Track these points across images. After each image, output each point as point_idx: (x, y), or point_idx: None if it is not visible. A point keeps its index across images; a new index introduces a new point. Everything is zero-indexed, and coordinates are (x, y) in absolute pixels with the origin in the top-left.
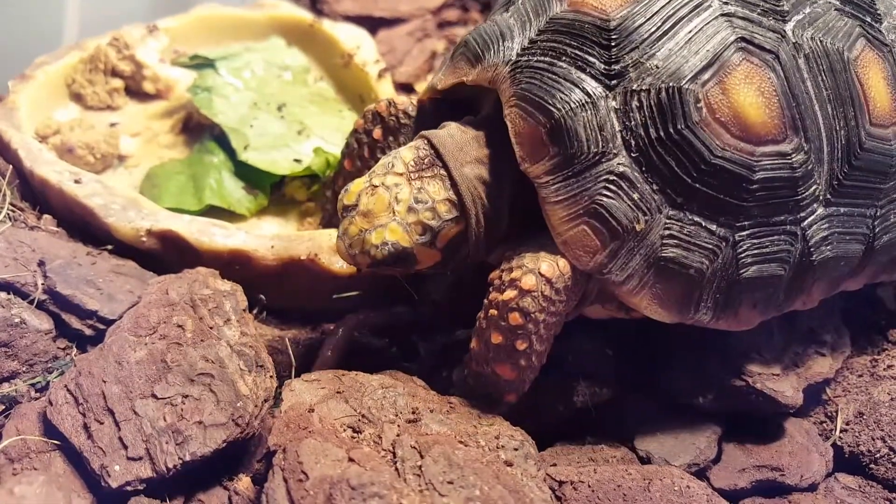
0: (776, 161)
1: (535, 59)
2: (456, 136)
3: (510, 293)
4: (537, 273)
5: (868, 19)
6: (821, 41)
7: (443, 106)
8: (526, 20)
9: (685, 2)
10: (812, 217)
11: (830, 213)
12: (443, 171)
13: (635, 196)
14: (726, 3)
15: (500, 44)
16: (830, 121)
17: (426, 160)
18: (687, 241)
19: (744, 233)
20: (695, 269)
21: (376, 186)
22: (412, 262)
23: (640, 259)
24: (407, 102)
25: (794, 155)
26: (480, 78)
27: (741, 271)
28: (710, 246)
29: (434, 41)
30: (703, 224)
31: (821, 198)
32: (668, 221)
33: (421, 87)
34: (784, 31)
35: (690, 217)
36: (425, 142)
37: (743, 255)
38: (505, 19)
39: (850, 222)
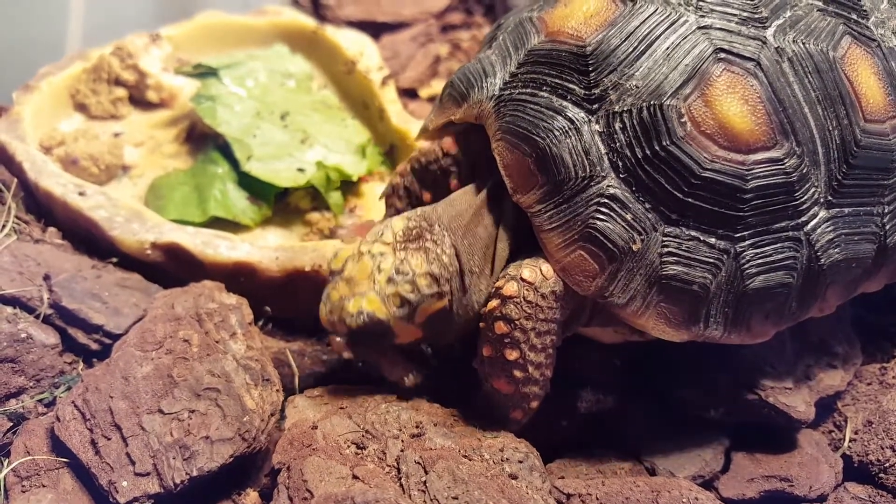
0: (769, 168)
1: (517, 91)
2: (458, 203)
3: (493, 302)
4: (519, 279)
5: (854, 16)
6: (803, 43)
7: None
8: (507, 55)
9: (660, 20)
10: (815, 221)
11: (834, 215)
12: (429, 245)
13: (628, 216)
14: (703, 17)
15: (484, 80)
16: (822, 121)
17: (415, 231)
18: (687, 256)
19: (745, 243)
20: (698, 285)
21: (363, 254)
22: (389, 335)
23: (640, 279)
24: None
25: (786, 160)
26: (467, 115)
27: (747, 283)
28: (712, 260)
29: (437, 45)
30: (702, 238)
31: (821, 200)
32: (664, 239)
33: (425, 92)
34: (765, 37)
35: (687, 232)
36: (419, 212)
37: (747, 266)
38: (487, 56)
39: (856, 222)
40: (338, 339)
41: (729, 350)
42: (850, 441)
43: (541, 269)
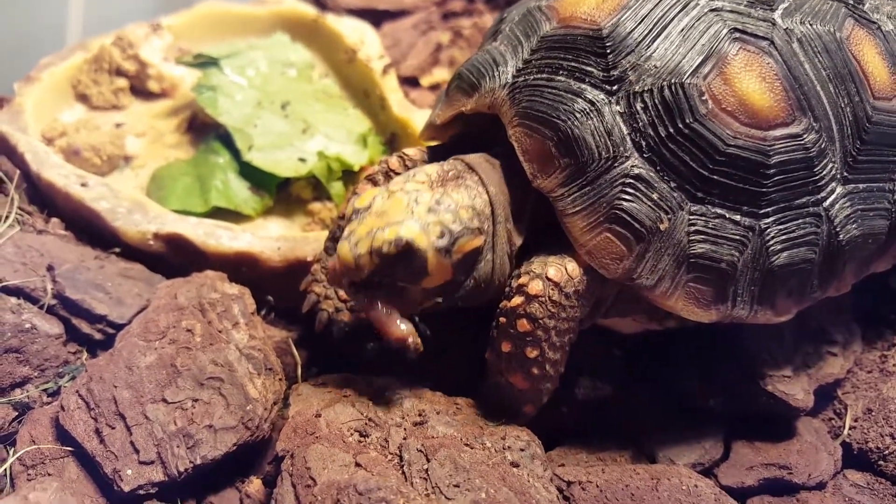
0: (789, 143)
1: (532, 77)
2: (482, 163)
3: (517, 299)
4: (544, 278)
5: (851, 1)
6: (811, 24)
7: (453, 152)
8: (517, 44)
9: (672, 3)
10: (833, 196)
11: (850, 191)
12: (469, 183)
13: (654, 196)
14: (713, 0)
15: (495, 69)
16: (834, 99)
17: (451, 173)
18: (714, 234)
19: (769, 220)
20: (726, 263)
21: (394, 191)
22: (422, 270)
23: (668, 259)
24: (418, 153)
25: (805, 135)
26: (479, 105)
27: (772, 259)
28: (738, 237)
29: (439, 33)
30: (727, 216)
31: (838, 176)
32: (691, 217)
33: (426, 80)
34: (773, 19)
35: (713, 210)
36: (453, 160)
37: (771, 242)
38: (495, 47)
39: (870, 198)
40: (312, 296)
41: (728, 339)
42: (849, 429)
43: (566, 268)
